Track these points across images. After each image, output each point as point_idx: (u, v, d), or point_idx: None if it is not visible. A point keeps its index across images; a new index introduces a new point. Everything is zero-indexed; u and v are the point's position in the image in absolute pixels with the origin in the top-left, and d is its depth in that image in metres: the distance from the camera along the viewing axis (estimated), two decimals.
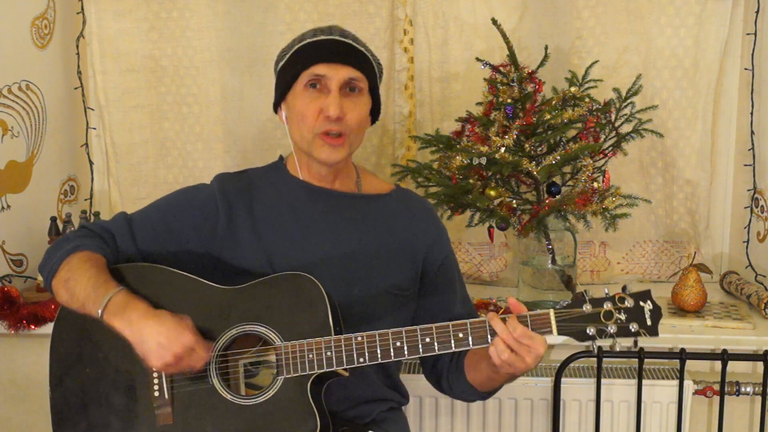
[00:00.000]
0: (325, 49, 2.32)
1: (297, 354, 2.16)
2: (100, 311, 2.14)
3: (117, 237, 2.36)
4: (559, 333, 2.08)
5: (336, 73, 2.30)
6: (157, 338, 2.08)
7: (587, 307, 2.06)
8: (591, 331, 2.06)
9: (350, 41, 2.36)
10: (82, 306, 2.19)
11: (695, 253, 3.48)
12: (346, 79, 2.31)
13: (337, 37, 2.35)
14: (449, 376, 2.45)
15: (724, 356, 2.89)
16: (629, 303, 2.07)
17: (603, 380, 2.98)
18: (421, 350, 2.13)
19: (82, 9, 3.50)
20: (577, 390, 3.02)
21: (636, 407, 2.98)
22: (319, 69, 2.30)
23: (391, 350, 2.14)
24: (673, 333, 2.94)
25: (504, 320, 2.09)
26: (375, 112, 2.45)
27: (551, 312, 2.08)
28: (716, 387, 2.99)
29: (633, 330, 2.06)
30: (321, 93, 2.31)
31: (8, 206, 3.15)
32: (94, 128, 3.62)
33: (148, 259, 2.36)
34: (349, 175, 2.49)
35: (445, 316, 2.38)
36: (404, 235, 2.43)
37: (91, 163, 3.64)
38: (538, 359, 2.08)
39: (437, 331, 2.13)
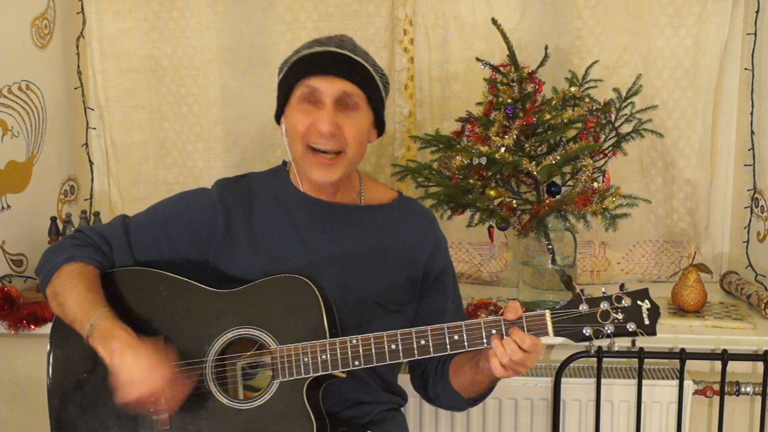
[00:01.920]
0: (320, 61, 2.27)
1: (292, 357, 2.16)
2: (85, 335, 2.14)
3: (113, 245, 2.37)
4: (556, 334, 2.07)
5: (330, 87, 2.24)
6: (129, 375, 2.07)
7: (584, 308, 2.05)
8: (588, 331, 2.05)
9: (346, 52, 2.29)
10: (70, 323, 2.20)
11: (695, 253, 3.48)
12: (340, 93, 2.25)
13: (332, 49, 2.29)
14: (434, 383, 2.44)
15: (724, 356, 2.89)
16: (626, 302, 2.06)
17: (603, 380, 2.98)
18: (416, 353, 2.13)
19: (82, 9, 3.49)
20: (577, 390, 3.02)
21: (636, 407, 2.98)
22: (313, 82, 2.25)
23: (386, 353, 2.13)
24: (673, 333, 2.94)
25: (502, 336, 2.09)
26: (380, 125, 2.41)
27: (547, 313, 2.07)
28: (716, 387, 2.99)
29: (630, 329, 2.04)
30: (315, 107, 2.26)
31: (8, 206, 3.15)
32: (94, 128, 3.61)
33: (145, 265, 2.36)
34: (352, 185, 2.46)
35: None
36: (403, 246, 2.42)
37: (91, 163, 3.63)
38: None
39: (432, 333, 2.12)
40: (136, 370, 2.06)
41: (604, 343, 2.08)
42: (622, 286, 2.09)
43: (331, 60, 2.27)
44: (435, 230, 2.51)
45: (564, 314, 2.07)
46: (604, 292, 2.08)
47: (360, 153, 2.35)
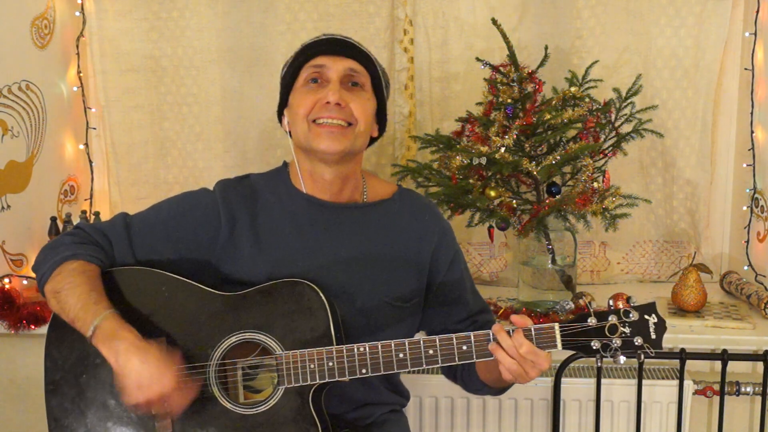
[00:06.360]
0: (325, 44, 2.33)
1: (298, 364, 2.15)
2: (88, 335, 2.11)
3: (114, 243, 2.32)
4: (564, 347, 2.07)
5: (335, 64, 2.28)
6: (138, 377, 2.05)
7: (592, 321, 2.05)
8: (596, 345, 2.05)
9: (350, 39, 2.35)
10: (71, 322, 2.16)
11: (695, 253, 3.50)
12: (347, 70, 2.29)
13: (336, 36, 2.36)
14: (463, 375, 2.44)
15: (724, 356, 2.91)
16: (634, 316, 2.06)
17: (603, 380, 2.99)
18: (424, 362, 2.12)
19: (82, 9, 3.49)
20: (577, 390, 3.03)
21: (636, 407, 2.99)
22: (319, 60, 2.29)
23: (394, 362, 2.13)
24: (673, 333, 2.94)
25: (509, 332, 2.09)
26: (381, 123, 2.42)
27: (556, 326, 2.07)
28: (716, 387, 3.00)
29: (637, 343, 2.04)
30: (321, 86, 2.29)
31: (8, 206, 3.15)
32: (94, 128, 3.61)
33: (146, 265, 2.32)
34: (357, 185, 2.43)
35: (461, 314, 2.43)
36: (408, 241, 2.40)
37: (91, 163, 3.63)
38: (541, 373, 2.10)
39: (440, 343, 2.12)
40: (145, 373, 2.04)
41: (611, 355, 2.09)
42: (629, 300, 2.09)
43: (336, 42, 2.33)
44: (439, 220, 2.50)
45: (572, 327, 2.07)
46: (611, 306, 2.08)
47: (367, 133, 2.35)
